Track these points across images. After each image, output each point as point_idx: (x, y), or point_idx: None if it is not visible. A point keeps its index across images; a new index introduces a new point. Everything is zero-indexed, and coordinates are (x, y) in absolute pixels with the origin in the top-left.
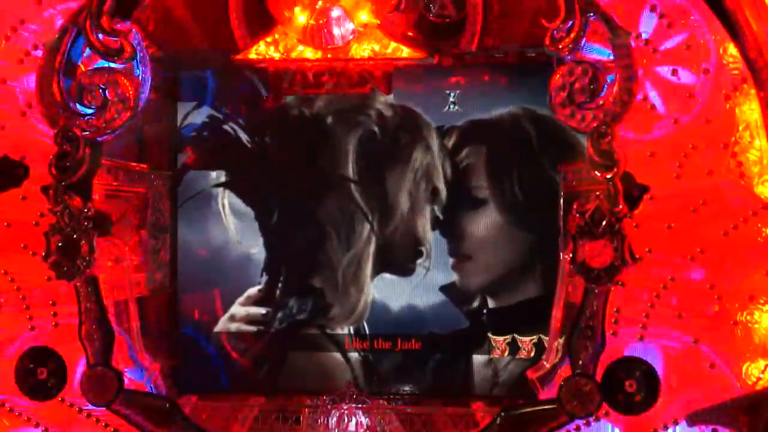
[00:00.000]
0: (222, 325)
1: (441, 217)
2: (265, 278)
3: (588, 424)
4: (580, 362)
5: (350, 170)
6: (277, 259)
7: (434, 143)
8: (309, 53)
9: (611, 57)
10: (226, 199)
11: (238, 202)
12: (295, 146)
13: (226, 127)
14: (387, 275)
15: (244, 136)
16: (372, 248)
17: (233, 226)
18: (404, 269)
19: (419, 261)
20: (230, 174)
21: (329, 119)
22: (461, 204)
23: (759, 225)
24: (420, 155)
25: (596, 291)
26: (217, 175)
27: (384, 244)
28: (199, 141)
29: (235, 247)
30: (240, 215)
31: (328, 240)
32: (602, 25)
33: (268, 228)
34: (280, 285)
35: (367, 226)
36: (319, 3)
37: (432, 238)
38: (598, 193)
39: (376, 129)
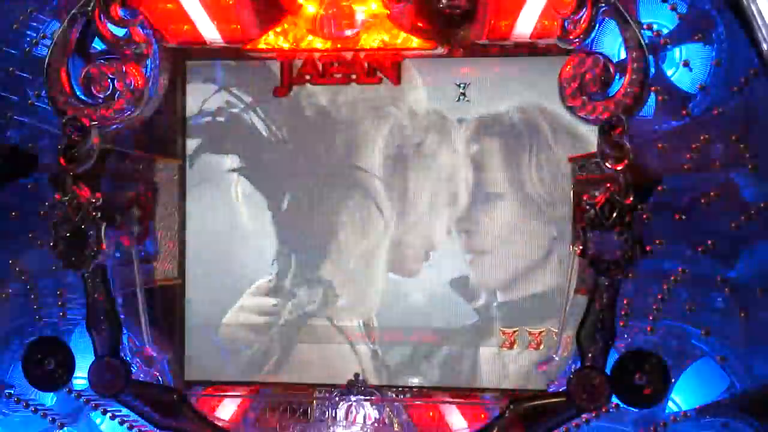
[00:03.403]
0: (231, 315)
1: (454, 227)
2: (275, 269)
3: (598, 416)
4: (590, 355)
5: (374, 163)
6: (288, 249)
7: (461, 146)
8: (318, 43)
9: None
10: (239, 187)
11: (251, 191)
12: (315, 135)
13: (242, 114)
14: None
15: (260, 124)
16: (386, 241)
17: (246, 216)
18: (410, 270)
19: (426, 263)
20: (244, 161)
21: (357, 109)
22: (478, 199)
23: None
24: (446, 157)
25: (606, 283)
26: (231, 162)
27: (395, 241)
28: (212, 128)
29: (246, 237)
30: (252, 204)
31: (340, 231)
32: (614, 15)
33: (279, 217)
34: (290, 276)
35: (382, 220)
36: None
37: (444, 242)
38: (608, 184)
39: (407, 124)
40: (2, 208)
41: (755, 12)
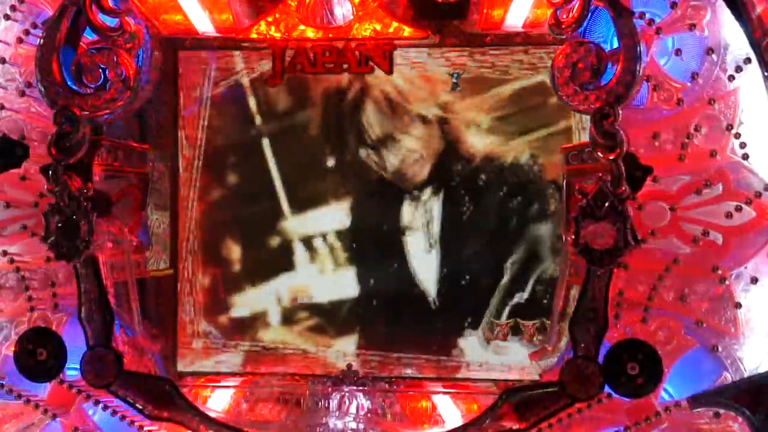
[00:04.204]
0: (224, 305)
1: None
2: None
3: (590, 406)
4: (582, 345)
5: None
6: None
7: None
8: (310, 33)
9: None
10: (232, 178)
11: (244, 181)
12: (309, 124)
13: (234, 104)
14: None
15: (252, 114)
16: None
17: (239, 205)
18: None
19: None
20: (237, 151)
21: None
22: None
23: (763, 206)
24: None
25: (598, 273)
26: (224, 152)
27: None
28: (204, 118)
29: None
30: (246, 194)
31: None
32: (606, 4)
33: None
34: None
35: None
36: None
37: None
38: (600, 174)
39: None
40: None
41: (748, 0)
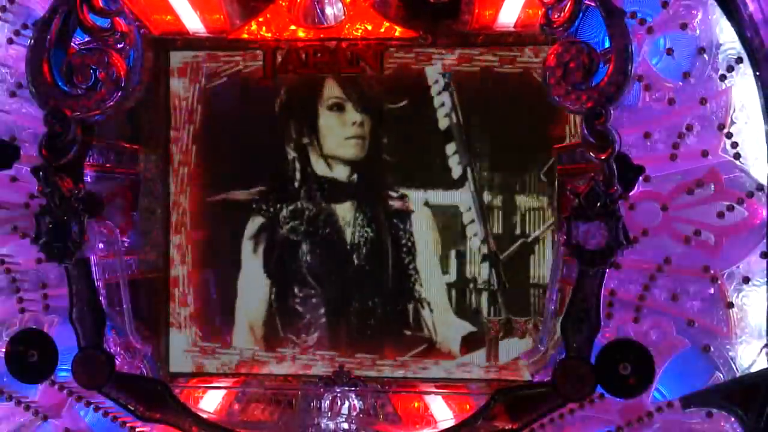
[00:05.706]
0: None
1: None
2: (260, 258)
3: (583, 406)
4: (575, 345)
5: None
6: None
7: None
8: (301, 33)
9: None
10: (224, 177)
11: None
12: (299, 124)
13: (225, 104)
14: None
15: (244, 114)
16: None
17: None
18: None
19: None
20: (228, 151)
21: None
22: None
23: (755, 206)
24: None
25: (591, 273)
26: (216, 153)
27: None
28: (196, 118)
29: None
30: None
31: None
32: (597, 4)
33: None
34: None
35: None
36: None
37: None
38: (592, 174)
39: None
40: None
41: None
